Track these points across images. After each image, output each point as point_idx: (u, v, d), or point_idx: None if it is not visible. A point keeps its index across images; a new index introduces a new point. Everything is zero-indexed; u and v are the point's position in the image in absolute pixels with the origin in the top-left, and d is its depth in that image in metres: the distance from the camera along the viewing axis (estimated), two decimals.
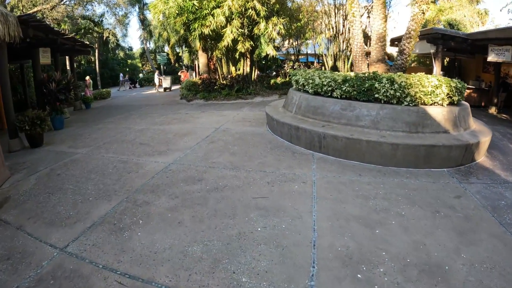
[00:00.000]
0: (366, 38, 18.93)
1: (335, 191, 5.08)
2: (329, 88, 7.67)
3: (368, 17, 19.56)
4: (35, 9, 21.63)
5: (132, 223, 4.35)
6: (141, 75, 51.84)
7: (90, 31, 27.26)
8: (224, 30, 14.45)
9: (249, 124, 10.10)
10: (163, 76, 28.72)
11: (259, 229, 4.08)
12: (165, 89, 27.44)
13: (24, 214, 4.82)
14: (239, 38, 14.88)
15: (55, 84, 11.69)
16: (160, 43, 47.50)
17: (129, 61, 60.69)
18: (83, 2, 27.40)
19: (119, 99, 24.42)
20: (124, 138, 9.22)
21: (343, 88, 7.34)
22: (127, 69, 54.86)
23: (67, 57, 21.31)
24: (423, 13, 9.77)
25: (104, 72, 45.01)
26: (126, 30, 60.24)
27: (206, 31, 14.25)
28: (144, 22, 37.89)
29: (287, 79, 20.53)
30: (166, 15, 15.47)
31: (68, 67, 23.65)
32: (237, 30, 14.42)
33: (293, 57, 25.17)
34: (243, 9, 14.46)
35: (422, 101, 6.74)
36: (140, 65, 59.38)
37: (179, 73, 33.10)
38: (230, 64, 17.95)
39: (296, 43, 23.77)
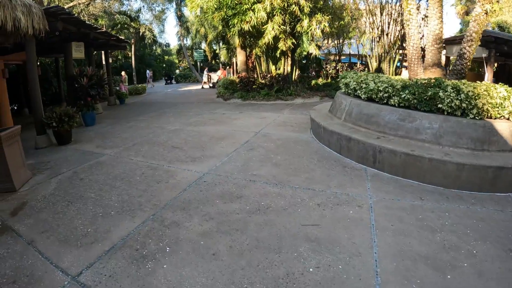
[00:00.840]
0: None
1: (396, 220, 4.22)
2: (385, 95, 6.78)
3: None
4: (71, 4, 21.61)
5: (157, 250, 3.68)
6: (177, 71, 52.05)
7: (126, 26, 27.19)
8: (265, 26, 13.72)
9: (292, 129, 9.30)
10: (212, 72, 28.61)
11: (311, 269, 3.30)
12: (213, 84, 27.81)
13: (38, 226, 4.31)
14: (280, 36, 14.11)
15: (86, 79, 11.35)
16: (197, 39, 47.63)
17: (166, 57, 61.22)
18: None
19: (154, 95, 24.28)
20: (155, 139, 8.69)
21: (402, 96, 6.44)
22: (164, 65, 55.30)
23: (103, 52, 21.17)
24: (486, 13, 8.70)
25: (141, 67, 45.43)
26: (163, 26, 61.11)
27: (246, 27, 13.55)
28: (181, 18, 37.73)
29: (329, 80, 19.61)
30: (204, 9, 14.91)
31: (104, 62, 23.68)
32: (279, 27, 13.66)
33: (332, 57, 24.18)
34: (285, 4, 13.68)
35: (489, 114, 5.76)
36: (176, 61, 59.87)
37: (217, 73, 32.68)
38: (270, 62, 17.15)
39: (338, 42, 22.75)
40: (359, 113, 7.28)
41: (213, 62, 49.60)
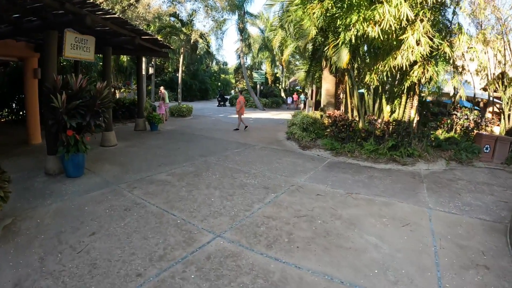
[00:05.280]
0: None
1: None
2: None
3: None
4: None
5: None
6: (233, 92, 47.34)
7: (176, 31, 22.03)
8: (405, 36, 7.86)
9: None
10: (308, 98, 23.44)
11: None
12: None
13: None
14: (416, 58, 8.17)
15: (65, 96, 5.97)
16: (258, 59, 42.58)
17: (222, 75, 57.22)
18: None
19: (201, 120, 19.21)
20: None
21: None
22: (219, 84, 51.12)
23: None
24: None
25: (193, 83, 41.10)
26: (222, 40, 56.61)
27: (373, 32, 7.71)
28: (243, 32, 32.54)
29: (452, 133, 12.99)
30: None
31: (146, 72, 18.77)
32: (430, 40, 7.78)
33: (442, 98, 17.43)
34: None
35: None
36: (233, 81, 55.37)
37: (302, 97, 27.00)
38: (383, 100, 10.87)
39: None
40: None
41: (273, 86, 44.33)
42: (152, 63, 28.42)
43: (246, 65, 38.17)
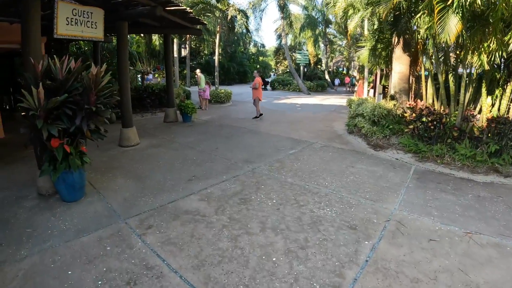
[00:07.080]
0: None
1: None
2: None
3: None
4: None
5: None
6: (272, 74, 45.04)
7: (210, 8, 19.68)
8: None
9: None
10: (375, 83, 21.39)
11: None
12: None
13: None
14: None
15: (42, 91, 3.94)
16: (300, 39, 39.85)
17: (261, 57, 54.91)
18: None
19: (242, 107, 17.20)
20: None
21: None
22: (257, 66, 48.97)
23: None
24: None
25: (231, 66, 39.14)
26: (261, 19, 54.29)
27: None
28: (284, 9, 29.82)
29: None
30: None
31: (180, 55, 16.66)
32: None
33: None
34: None
35: None
36: (272, 63, 52.88)
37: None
38: (483, 90, 7.88)
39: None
40: None
41: (317, 68, 41.69)
42: (186, 44, 26.41)
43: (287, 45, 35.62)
